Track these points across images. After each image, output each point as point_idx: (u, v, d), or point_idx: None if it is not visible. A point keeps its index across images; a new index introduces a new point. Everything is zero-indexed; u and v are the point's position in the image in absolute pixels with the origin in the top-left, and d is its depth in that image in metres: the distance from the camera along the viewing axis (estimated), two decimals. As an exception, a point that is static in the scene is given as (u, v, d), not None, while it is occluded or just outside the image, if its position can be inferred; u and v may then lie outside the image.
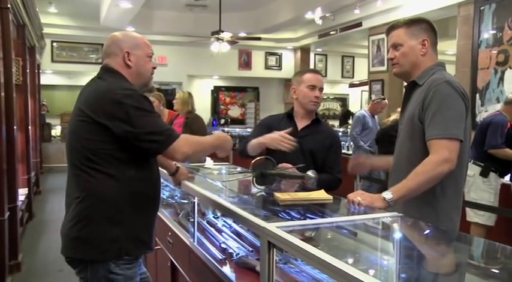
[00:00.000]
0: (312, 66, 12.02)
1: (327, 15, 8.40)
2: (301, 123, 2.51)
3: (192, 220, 2.13)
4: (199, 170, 2.79)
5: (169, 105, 4.92)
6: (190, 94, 4.73)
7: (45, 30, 8.35)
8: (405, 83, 1.95)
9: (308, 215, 1.61)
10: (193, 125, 4.43)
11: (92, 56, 10.54)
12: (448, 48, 8.27)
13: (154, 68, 1.89)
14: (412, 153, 1.78)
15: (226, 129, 9.83)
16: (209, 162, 3.28)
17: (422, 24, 1.86)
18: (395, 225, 1.54)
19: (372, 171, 4.95)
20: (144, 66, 1.84)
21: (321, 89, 2.48)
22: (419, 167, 1.66)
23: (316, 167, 2.19)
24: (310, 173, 1.91)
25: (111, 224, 1.65)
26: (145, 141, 1.64)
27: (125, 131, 1.62)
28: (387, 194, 1.64)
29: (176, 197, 2.95)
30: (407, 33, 1.85)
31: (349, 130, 6.99)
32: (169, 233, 2.40)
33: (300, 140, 2.42)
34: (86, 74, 10.69)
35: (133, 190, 1.70)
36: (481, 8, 5.78)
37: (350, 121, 8.74)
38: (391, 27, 1.91)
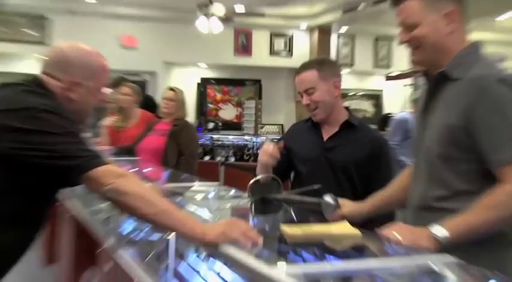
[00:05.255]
0: (334, 53, 12.01)
1: (354, -18, 8.45)
2: (327, 132, 2.52)
3: (166, 265, 2.10)
4: (180, 193, 2.77)
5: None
6: (183, 92, 4.73)
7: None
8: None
9: (327, 256, 1.60)
10: (183, 135, 4.42)
11: (30, 32, 10.35)
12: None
13: (103, 101, 1.87)
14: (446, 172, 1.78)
15: (215, 136, 9.80)
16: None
17: None
18: (452, 276, 1.50)
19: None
20: (89, 103, 1.83)
21: (307, 91, 2.45)
22: (488, 198, 1.65)
23: (354, 190, 2.24)
24: (328, 198, 1.90)
25: None
26: None
27: None
28: (439, 230, 1.63)
29: (143, 232, 2.92)
30: (426, 6, 1.78)
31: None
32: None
33: (326, 154, 2.43)
34: (22, 58, 10.56)
35: None
36: None
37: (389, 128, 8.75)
38: None
